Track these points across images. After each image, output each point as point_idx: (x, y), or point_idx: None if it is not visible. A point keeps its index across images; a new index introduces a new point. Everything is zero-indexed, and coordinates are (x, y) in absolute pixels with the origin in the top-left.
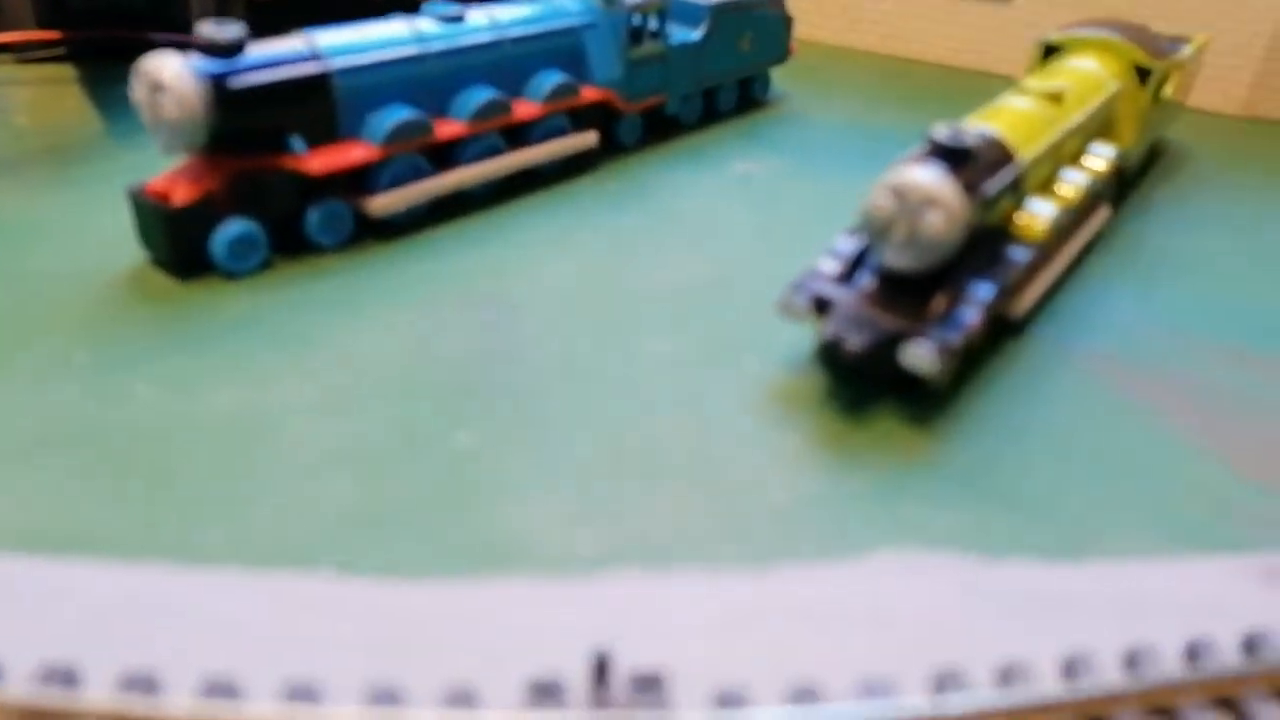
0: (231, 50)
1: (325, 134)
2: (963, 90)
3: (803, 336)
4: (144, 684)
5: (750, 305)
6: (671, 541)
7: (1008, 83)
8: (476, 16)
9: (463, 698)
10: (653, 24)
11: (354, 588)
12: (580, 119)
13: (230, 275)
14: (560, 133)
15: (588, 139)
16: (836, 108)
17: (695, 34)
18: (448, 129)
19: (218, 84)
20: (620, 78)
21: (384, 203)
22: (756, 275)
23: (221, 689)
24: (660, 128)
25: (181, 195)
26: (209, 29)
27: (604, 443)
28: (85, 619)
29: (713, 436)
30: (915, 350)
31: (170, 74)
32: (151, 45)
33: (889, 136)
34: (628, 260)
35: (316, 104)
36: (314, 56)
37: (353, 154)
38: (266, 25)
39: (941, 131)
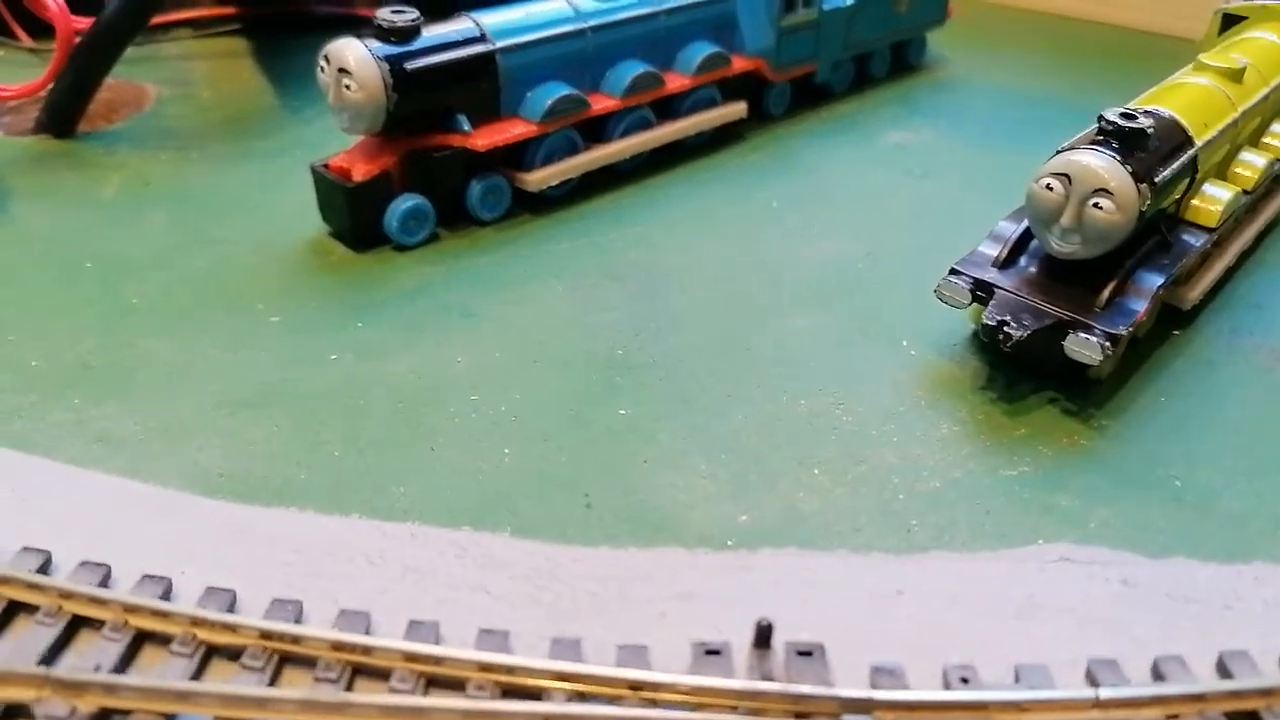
0: (409, 34)
1: (488, 112)
2: (1132, 52)
3: (956, 318)
4: (360, 621)
5: (901, 283)
6: (824, 521)
7: (1180, 45)
8: None
9: (637, 655)
10: None
11: (528, 548)
12: (728, 89)
13: (401, 247)
14: (709, 104)
15: (736, 110)
16: (997, 73)
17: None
18: (602, 104)
19: (397, 67)
20: (770, 46)
21: (540, 177)
22: (908, 252)
23: (426, 633)
24: (809, 96)
25: (360, 172)
26: (387, 14)
27: (757, 419)
28: (297, 560)
29: (865, 418)
30: (1080, 341)
31: (355, 59)
32: (317, 19)
33: (1053, 104)
34: (773, 234)
35: (483, 83)
36: (481, 37)
37: (514, 130)
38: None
39: (1113, 113)
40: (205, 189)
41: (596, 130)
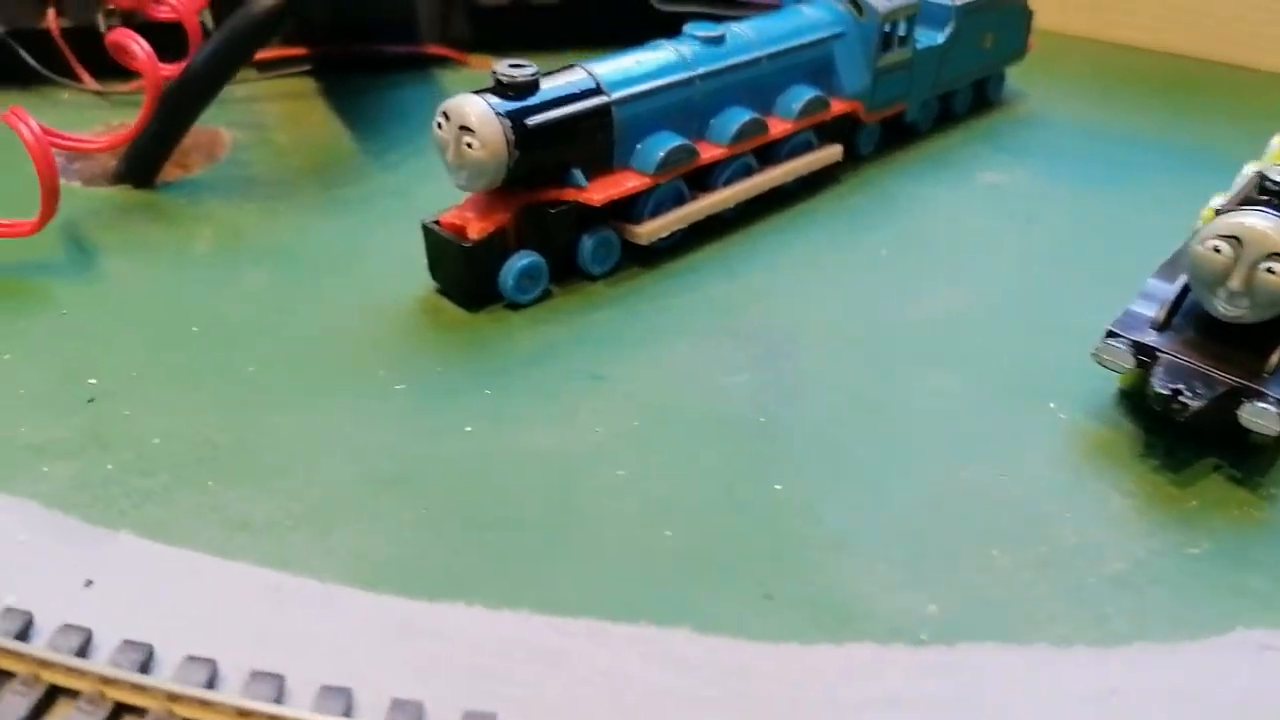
0: (528, 89)
1: (602, 164)
2: (1212, 87)
3: (1099, 376)
4: None
5: (1031, 337)
6: (1017, 610)
7: (1274, 79)
8: (734, 34)
9: None
10: (901, 30)
11: (713, 645)
12: (824, 131)
13: (514, 306)
14: (806, 147)
15: (833, 153)
16: (1075, 108)
17: (940, 36)
18: (710, 152)
19: (518, 124)
20: (866, 88)
21: (651, 229)
22: (1029, 303)
23: None
24: (895, 133)
25: (476, 230)
26: (505, 68)
27: (920, 492)
28: (475, 663)
29: (1032, 491)
30: (1258, 411)
31: (477, 116)
32: (387, 59)
33: (1141, 142)
34: (886, 284)
35: (598, 136)
36: (597, 89)
37: (628, 183)
38: (489, 34)
39: (1275, 172)
40: (299, 242)
41: (700, 178)
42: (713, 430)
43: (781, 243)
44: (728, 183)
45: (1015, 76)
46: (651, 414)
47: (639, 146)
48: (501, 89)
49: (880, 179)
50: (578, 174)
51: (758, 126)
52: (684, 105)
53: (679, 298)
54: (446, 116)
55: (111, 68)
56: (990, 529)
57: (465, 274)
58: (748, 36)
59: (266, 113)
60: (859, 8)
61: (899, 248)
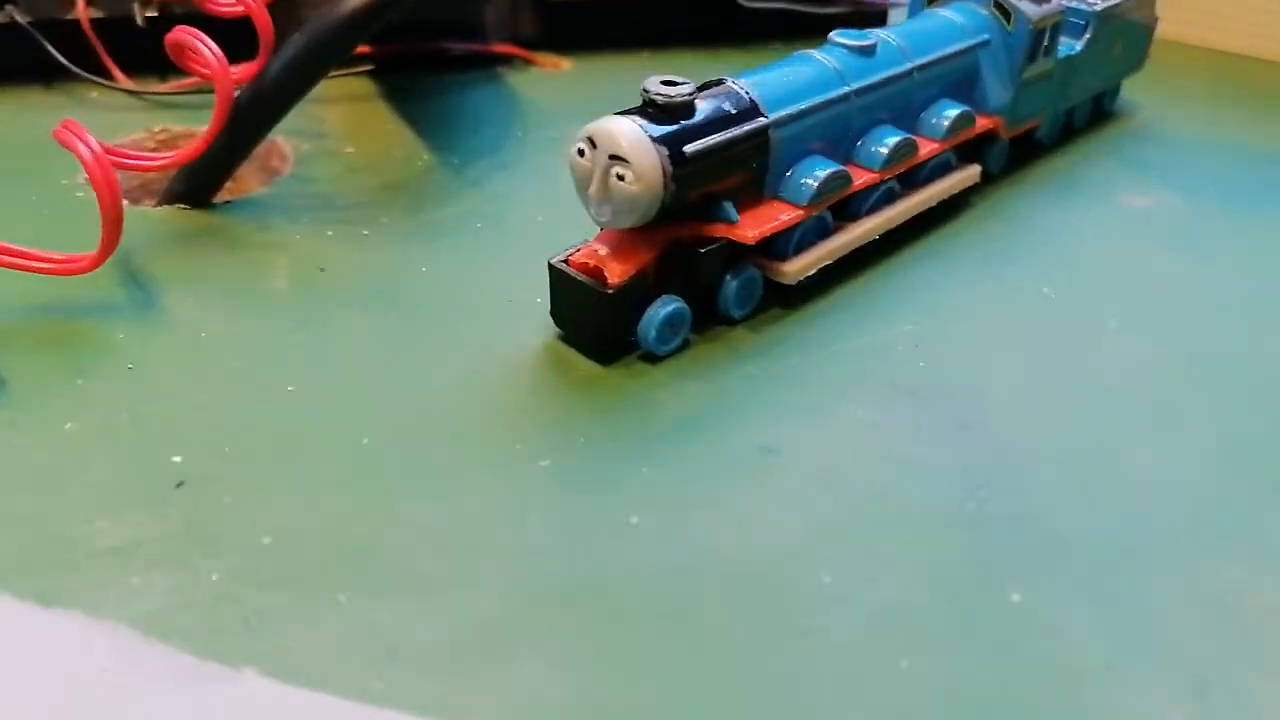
0: (684, 111)
1: (752, 195)
2: None
3: None
4: None
5: (1257, 399)
6: None
7: None
8: (884, 43)
9: None
10: (1047, 38)
11: None
12: (959, 150)
13: (652, 358)
14: (945, 168)
15: (972, 174)
16: (1195, 121)
17: (1077, 44)
18: (861, 178)
19: (675, 152)
20: (1008, 102)
21: (799, 267)
22: (1235, 354)
23: None
24: (1017, 150)
25: (617, 273)
26: (658, 86)
27: (1183, 606)
28: None
29: None
30: None
31: (631, 144)
32: (453, 59)
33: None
34: (1060, 329)
35: (753, 163)
36: (754, 108)
37: (780, 216)
38: (558, 32)
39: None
40: (393, 277)
41: (842, 205)
42: (916, 520)
43: (929, 278)
44: (871, 210)
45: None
46: (840, 498)
47: (789, 174)
48: (653, 110)
49: (1013, 202)
50: (728, 207)
51: (909, 148)
52: (836, 125)
53: (833, 347)
54: (592, 143)
55: (146, 64)
56: (1271, 652)
57: (603, 324)
58: (896, 45)
59: (326, 119)
60: (1006, 14)
61: (1060, 285)
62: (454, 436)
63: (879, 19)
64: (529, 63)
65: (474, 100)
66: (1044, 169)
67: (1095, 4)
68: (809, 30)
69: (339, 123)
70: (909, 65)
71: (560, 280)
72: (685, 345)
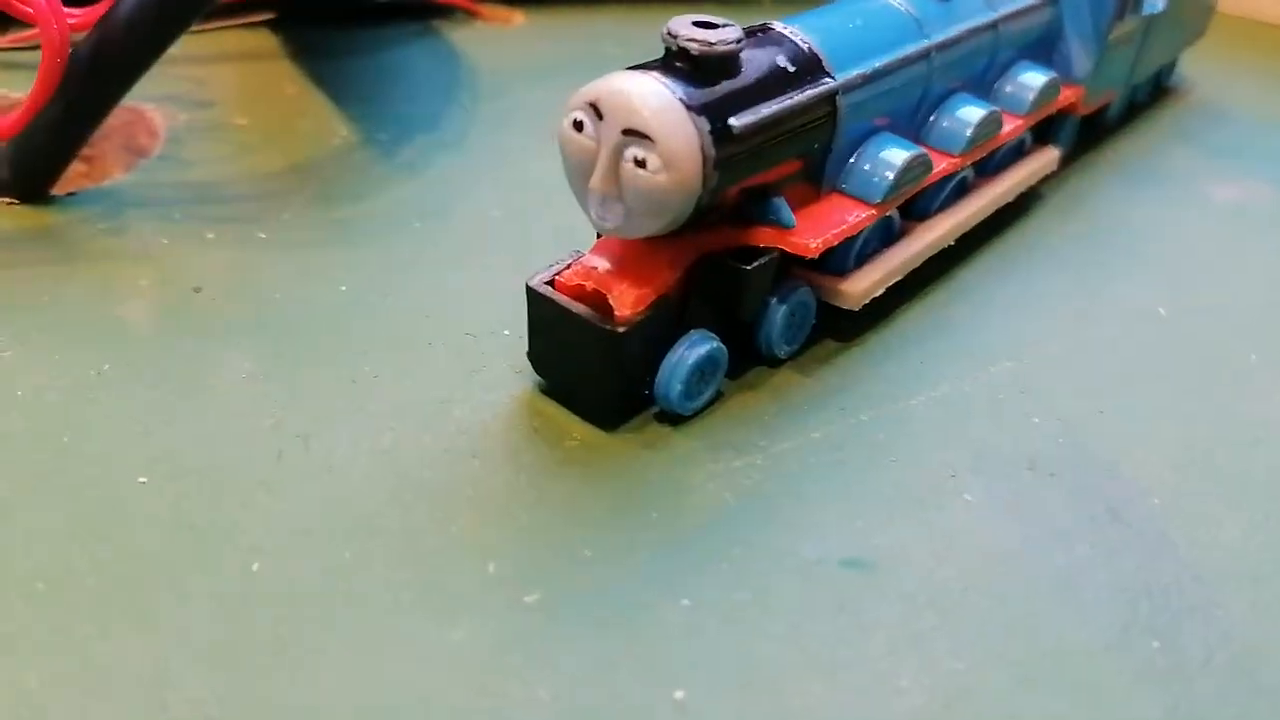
0: (728, 65)
1: (808, 186)
2: None
3: None
4: None
5: None
6: None
7: None
8: None
9: None
10: None
11: None
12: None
13: (674, 418)
14: (1018, 151)
15: (1050, 159)
16: (1266, 100)
17: (1157, 4)
18: (941, 164)
19: (717, 126)
20: (1090, 69)
21: (865, 287)
22: None
23: None
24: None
25: (630, 302)
26: (688, 28)
27: None
28: None
29: None
30: None
31: (656, 113)
32: (372, 8)
33: None
34: (1191, 366)
35: (815, 143)
36: (818, 66)
37: (846, 218)
38: None
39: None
40: (297, 299)
41: (907, 201)
42: (1080, 670)
43: (1015, 296)
44: (943, 206)
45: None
46: (968, 641)
47: (854, 158)
48: (683, 66)
49: (1089, 194)
50: (781, 205)
51: (994, 125)
52: (910, 93)
53: (913, 398)
54: (596, 113)
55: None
56: None
57: (608, 374)
58: None
59: (211, 82)
60: None
61: (1173, 303)
62: (391, 556)
63: None
64: (473, 15)
65: (404, 60)
66: (1110, 153)
67: None
68: None
69: (228, 87)
70: (993, 15)
71: (544, 311)
72: (717, 397)
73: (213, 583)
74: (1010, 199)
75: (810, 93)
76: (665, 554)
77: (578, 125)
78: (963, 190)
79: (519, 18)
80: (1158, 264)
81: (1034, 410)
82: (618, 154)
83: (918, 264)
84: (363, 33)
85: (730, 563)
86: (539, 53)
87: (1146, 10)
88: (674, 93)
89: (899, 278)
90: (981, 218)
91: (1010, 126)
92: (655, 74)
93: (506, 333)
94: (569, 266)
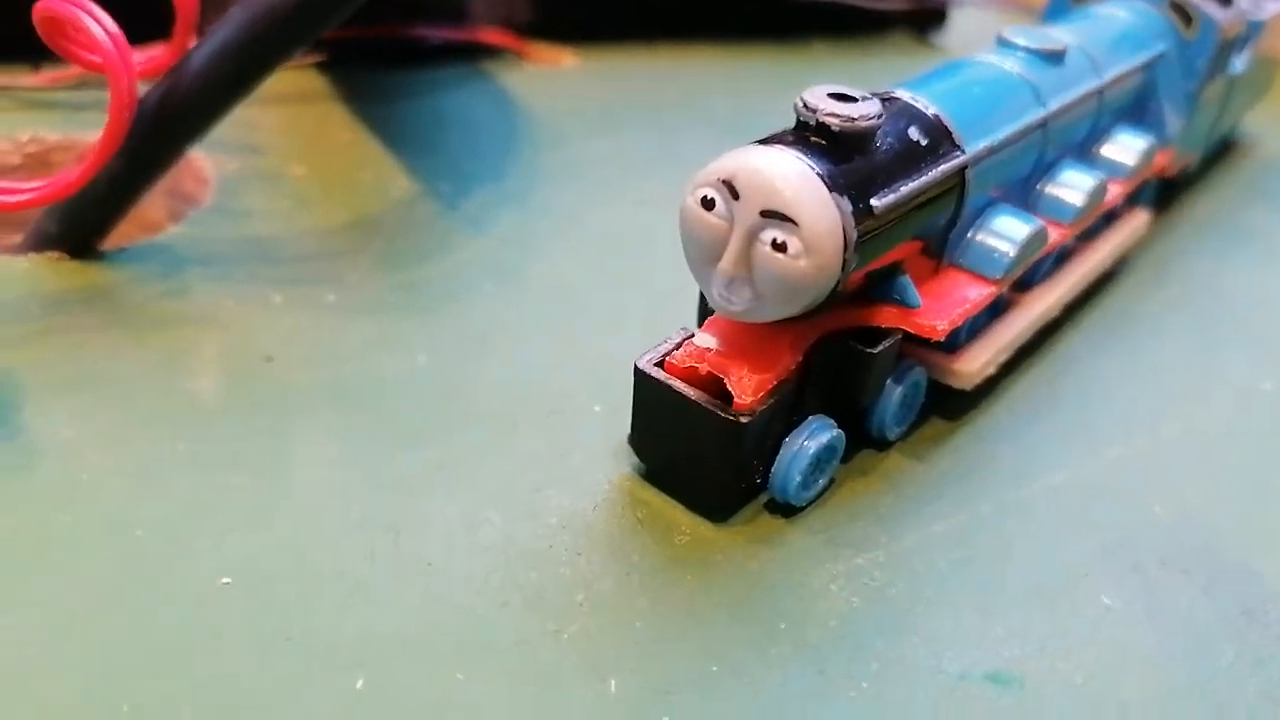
0: (866, 141)
1: (929, 262)
2: None
3: None
4: None
5: None
6: None
7: None
8: (1064, 44)
9: None
10: (1231, 51)
11: None
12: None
13: (786, 509)
14: (1111, 215)
15: (1141, 223)
16: None
17: (1241, 62)
18: (1055, 234)
19: (860, 207)
20: (1180, 130)
21: (979, 365)
22: None
23: None
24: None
25: (751, 390)
26: (826, 102)
27: None
28: None
29: None
30: None
31: (799, 194)
32: (426, 49)
33: None
34: None
35: (942, 217)
36: (948, 138)
37: (968, 294)
38: (558, 18)
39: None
40: (367, 370)
41: None
42: None
43: (1118, 368)
44: (1045, 276)
45: None
46: None
47: (974, 232)
48: (819, 141)
49: (1174, 257)
50: (907, 284)
51: (1101, 192)
52: (1023, 161)
53: (1029, 485)
54: (731, 191)
55: (9, 47)
56: None
57: (725, 467)
58: (1081, 49)
59: (262, 126)
60: (1187, 17)
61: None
62: (506, 673)
63: (939, 16)
64: (521, 56)
65: (458, 105)
66: (1188, 212)
67: (1255, 12)
68: (854, 29)
69: (280, 132)
70: (1100, 81)
71: (653, 395)
72: (829, 485)
73: (317, 708)
74: (1108, 265)
75: (944, 167)
76: (799, 672)
77: (707, 203)
78: (1063, 256)
79: (569, 58)
80: (1258, 334)
81: (1155, 499)
82: (753, 236)
83: (1027, 338)
84: (412, 75)
85: (870, 682)
86: (593, 97)
87: (1232, 70)
88: (817, 172)
89: (1010, 354)
90: (1083, 286)
91: (1113, 192)
92: (795, 151)
93: (597, 409)
94: (679, 346)
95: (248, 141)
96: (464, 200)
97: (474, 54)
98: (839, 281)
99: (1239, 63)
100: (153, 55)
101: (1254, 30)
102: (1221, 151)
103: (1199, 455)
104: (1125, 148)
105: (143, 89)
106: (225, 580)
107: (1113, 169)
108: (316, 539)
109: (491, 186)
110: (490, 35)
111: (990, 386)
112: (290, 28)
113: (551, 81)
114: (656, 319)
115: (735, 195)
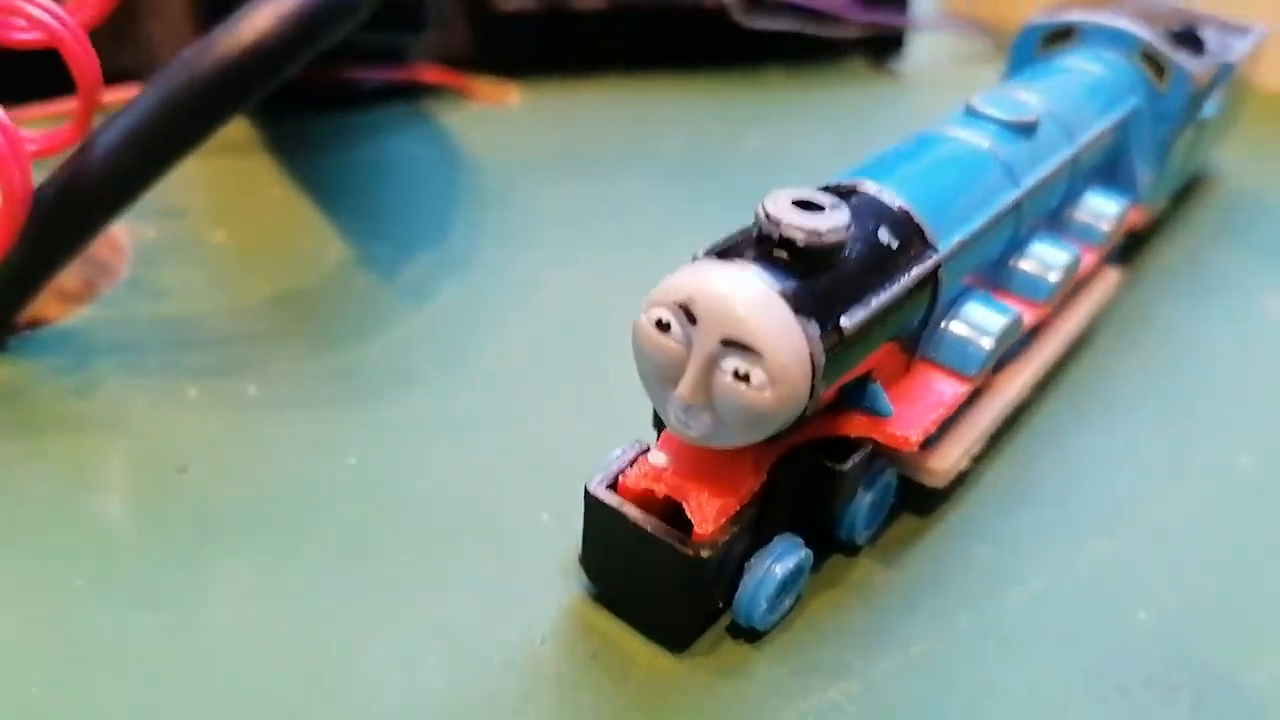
0: (833, 256)
1: (901, 359)
2: None
3: None
4: None
5: None
6: None
7: None
8: (1036, 114)
9: None
10: (1201, 101)
11: None
12: None
13: (751, 634)
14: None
15: (1112, 282)
16: None
17: (1212, 107)
18: (1029, 316)
19: (828, 330)
20: (1150, 184)
21: (951, 461)
22: None
23: None
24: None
25: (713, 519)
26: (791, 213)
27: None
28: None
29: None
30: None
31: (762, 322)
32: (359, 93)
33: None
34: None
35: (914, 319)
36: (920, 238)
37: (942, 395)
38: (504, 51)
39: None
40: (294, 478)
41: None
42: None
43: (1095, 448)
44: (1016, 354)
45: None
46: None
47: (946, 324)
48: (782, 254)
49: (1145, 312)
50: (878, 393)
51: (1076, 265)
52: (999, 244)
53: (1007, 595)
54: (689, 314)
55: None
56: None
57: (684, 599)
58: (1053, 116)
59: (185, 183)
60: (1159, 69)
61: (1262, 453)
62: None
63: (896, 42)
64: (465, 94)
65: (397, 153)
66: (1155, 258)
67: (1223, 54)
68: (811, 56)
69: (202, 190)
70: (1074, 148)
71: (606, 520)
72: (795, 603)
73: None
74: (1078, 334)
75: (916, 271)
76: None
77: (662, 325)
78: (1034, 329)
79: (513, 95)
80: (1235, 395)
81: (1138, 603)
82: (712, 363)
83: (1000, 425)
84: (348, 120)
85: None
86: (540, 140)
87: (1204, 115)
88: (780, 292)
89: (983, 445)
90: (1055, 360)
91: (1087, 261)
92: (756, 269)
93: (545, 517)
94: (633, 464)
95: (167, 203)
96: (404, 267)
97: (413, 94)
98: (806, 408)
99: (1210, 107)
100: (51, 134)
101: (1225, 73)
102: (1188, 189)
103: (1178, 548)
104: (1099, 212)
105: (42, 173)
106: None
107: (1087, 234)
108: (231, 695)
109: (434, 250)
110: (430, 73)
111: (960, 477)
112: (208, 106)
113: (496, 123)
114: (609, 409)
115: (693, 320)
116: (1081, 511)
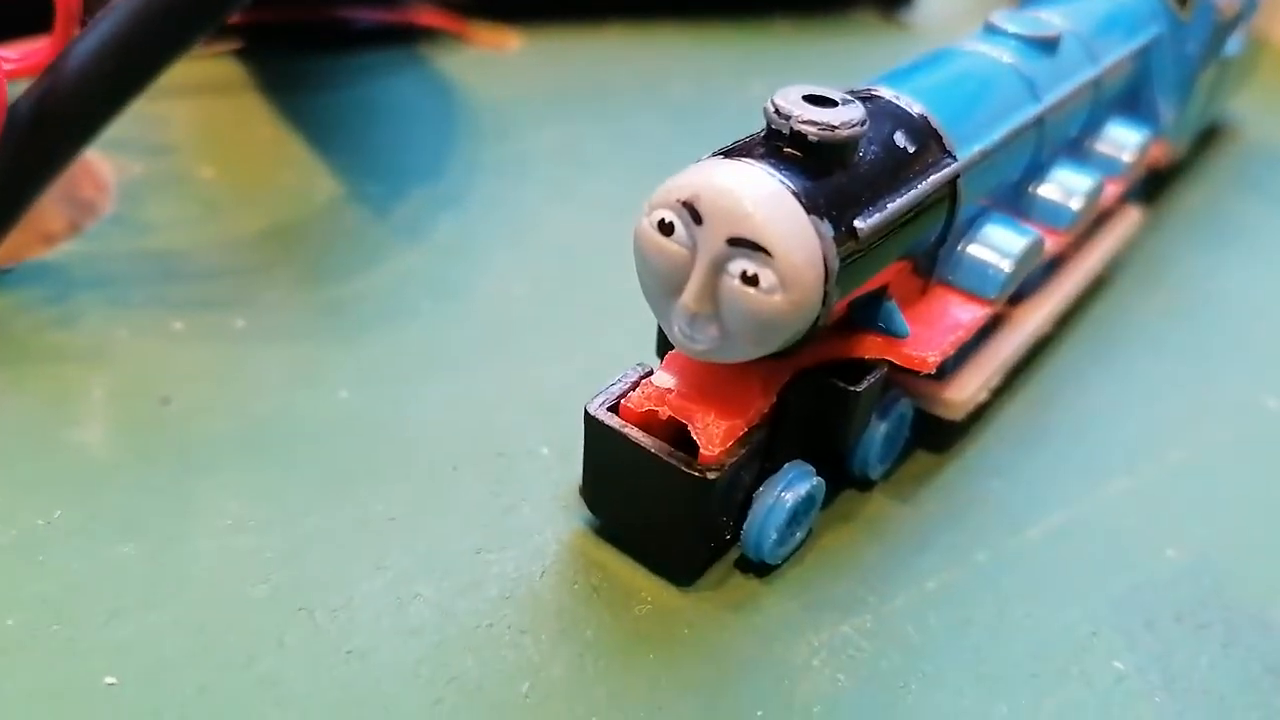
0: (847, 151)
1: (913, 281)
2: None
3: None
4: None
5: None
6: None
7: None
8: (1058, 29)
9: None
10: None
11: None
12: None
13: (761, 568)
14: (1103, 215)
15: (1133, 220)
16: None
17: (1235, 44)
18: (1050, 242)
19: (842, 231)
20: (1172, 119)
21: (969, 393)
22: None
23: None
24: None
25: (719, 441)
26: (800, 105)
27: None
28: None
29: None
30: None
31: (772, 218)
32: (352, 33)
33: None
34: None
35: (932, 233)
36: (937, 142)
37: (960, 318)
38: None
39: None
40: (281, 411)
41: None
42: None
43: (1114, 388)
44: (1036, 287)
45: None
46: None
47: (964, 246)
48: (793, 153)
49: (1165, 256)
50: (894, 311)
51: (1099, 193)
52: (1016, 163)
53: (1028, 532)
54: (694, 213)
55: None
56: None
57: (690, 526)
58: (1075, 35)
59: (174, 121)
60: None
61: None
62: None
63: None
64: (463, 38)
65: (392, 94)
66: (1176, 205)
67: None
68: (819, 6)
69: (191, 128)
70: (1097, 70)
71: (607, 444)
72: (807, 537)
73: None
74: (1100, 270)
75: (934, 177)
76: None
77: (665, 227)
78: (1054, 262)
79: (514, 40)
80: (1257, 342)
81: (1165, 541)
82: (719, 266)
83: (1019, 358)
84: (340, 61)
85: None
86: (541, 82)
87: (1227, 53)
88: (792, 191)
89: (1001, 377)
90: (1076, 296)
91: (1109, 191)
92: (766, 166)
93: (545, 451)
94: (635, 386)
95: (154, 140)
96: (398, 204)
97: (409, 37)
98: (819, 317)
99: (1234, 44)
100: (29, 51)
101: (1250, 8)
102: (1208, 137)
103: (1205, 486)
104: (1121, 143)
105: (19, 90)
106: (110, 680)
107: (1108, 166)
108: (218, 622)
109: (429, 187)
110: (427, 16)
111: (978, 412)
112: (187, 12)
113: (495, 66)
114: (611, 343)
115: (698, 220)
116: (1101, 450)
